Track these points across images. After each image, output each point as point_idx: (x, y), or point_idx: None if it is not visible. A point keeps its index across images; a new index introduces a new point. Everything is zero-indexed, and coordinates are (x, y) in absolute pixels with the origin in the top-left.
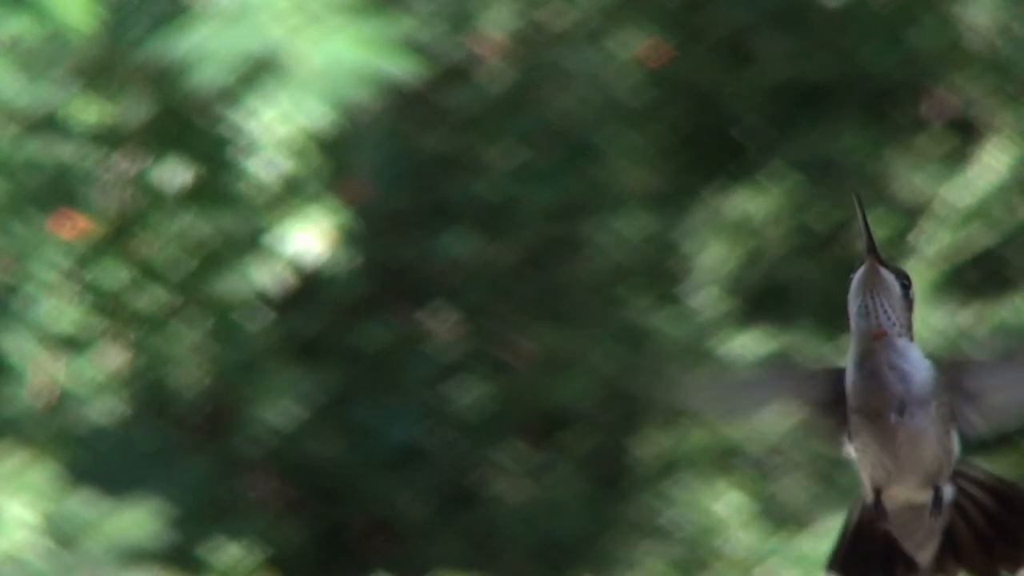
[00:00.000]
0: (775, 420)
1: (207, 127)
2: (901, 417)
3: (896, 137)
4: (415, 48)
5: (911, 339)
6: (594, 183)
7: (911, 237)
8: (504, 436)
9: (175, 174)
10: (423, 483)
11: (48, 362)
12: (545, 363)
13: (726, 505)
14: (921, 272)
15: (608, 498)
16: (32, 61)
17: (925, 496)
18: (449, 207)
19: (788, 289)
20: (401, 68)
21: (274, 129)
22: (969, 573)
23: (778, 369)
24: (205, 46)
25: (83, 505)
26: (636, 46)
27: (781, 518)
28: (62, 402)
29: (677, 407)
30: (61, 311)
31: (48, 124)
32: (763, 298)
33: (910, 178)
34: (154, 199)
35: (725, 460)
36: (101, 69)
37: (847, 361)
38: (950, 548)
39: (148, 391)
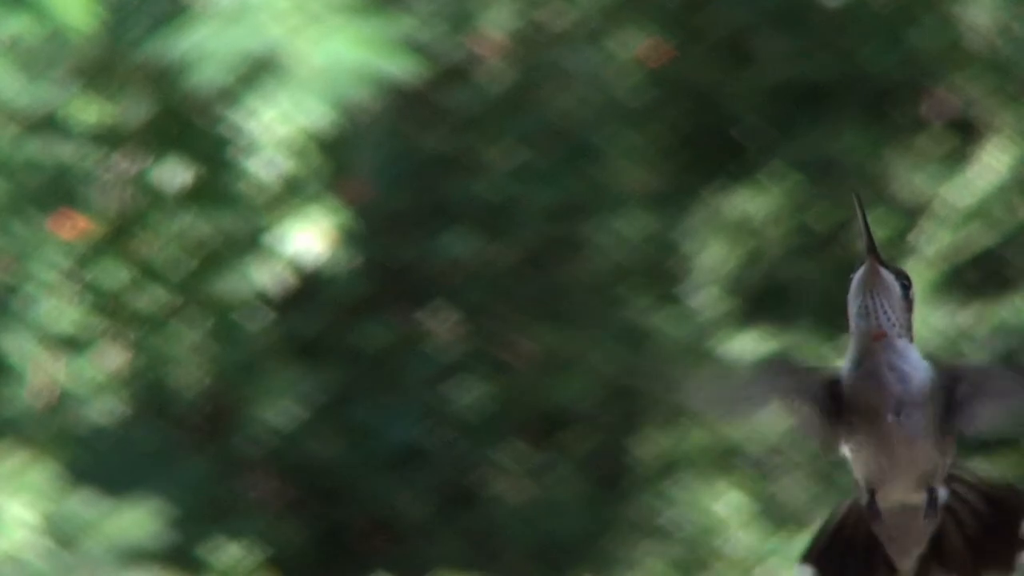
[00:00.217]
0: (775, 420)
1: (207, 127)
2: (898, 417)
3: (896, 137)
4: (415, 48)
5: (911, 340)
6: (594, 183)
7: (911, 237)
8: (504, 436)
9: (175, 174)
10: (423, 483)
11: (48, 362)
12: (545, 363)
13: (726, 505)
14: (921, 272)
15: (608, 498)
16: (32, 61)
17: (919, 498)
18: (449, 207)
19: (788, 289)
20: (401, 68)
21: (274, 129)
22: None
23: (777, 368)
24: (205, 46)
25: (83, 505)
26: (636, 46)
27: (781, 518)
28: (62, 402)
29: (677, 407)
30: (61, 311)
31: (48, 124)
32: (763, 298)
33: (910, 178)
34: (154, 199)
35: (725, 460)
36: (101, 69)
37: (846, 361)
38: (937, 553)
39: (148, 391)
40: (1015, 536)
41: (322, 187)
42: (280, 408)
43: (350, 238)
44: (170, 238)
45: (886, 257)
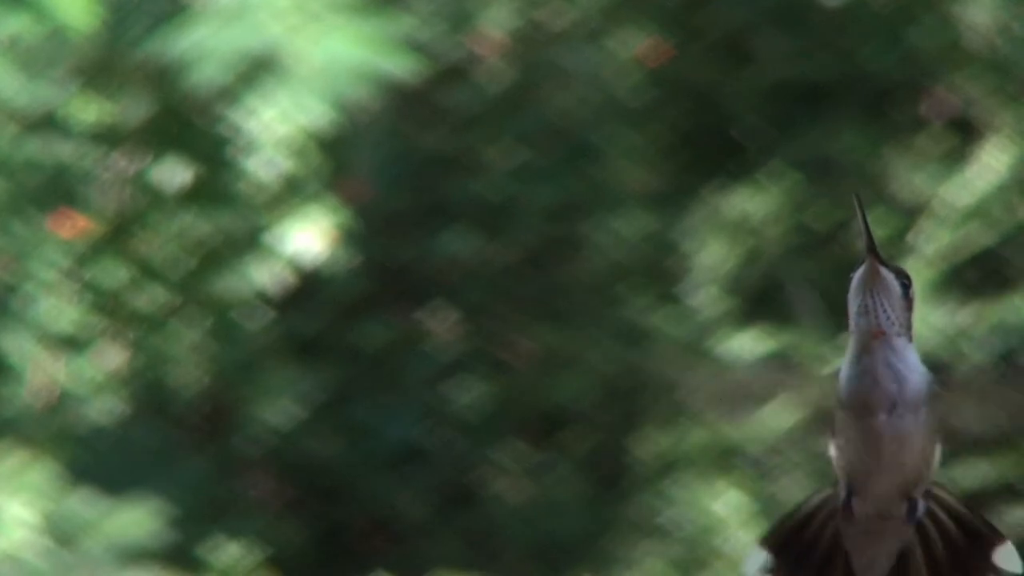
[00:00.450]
0: (775, 420)
1: (206, 126)
2: (890, 417)
3: (896, 137)
4: (415, 47)
5: (910, 339)
6: (594, 183)
7: (910, 236)
8: (504, 436)
9: (174, 173)
10: (423, 483)
11: (48, 361)
12: (545, 363)
13: (725, 505)
14: (920, 271)
15: (608, 498)
16: (32, 60)
17: (897, 508)
18: (448, 206)
19: (787, 289)
20: (400, 67)
21: (274, 128)
22: None
23: (777, 368)
24: (204, 45)
25: (83, 504)
26: (636, 46)
27: None
28: (62, 401)
29: (677, 407)
30: (61, 310)
31: (48, 123)
32: (762, 297)
33: (909, 177)
34: (153, 198)
35: (725, 460)
36: (101, 68)
37: (844, 358)
38: (902, 571)
39: (147, 390)
40: (982, 570)
41: (321, 186)
42: (279, 407)
43: (349, 237)
44: (169, 237)
45: (886, 256)
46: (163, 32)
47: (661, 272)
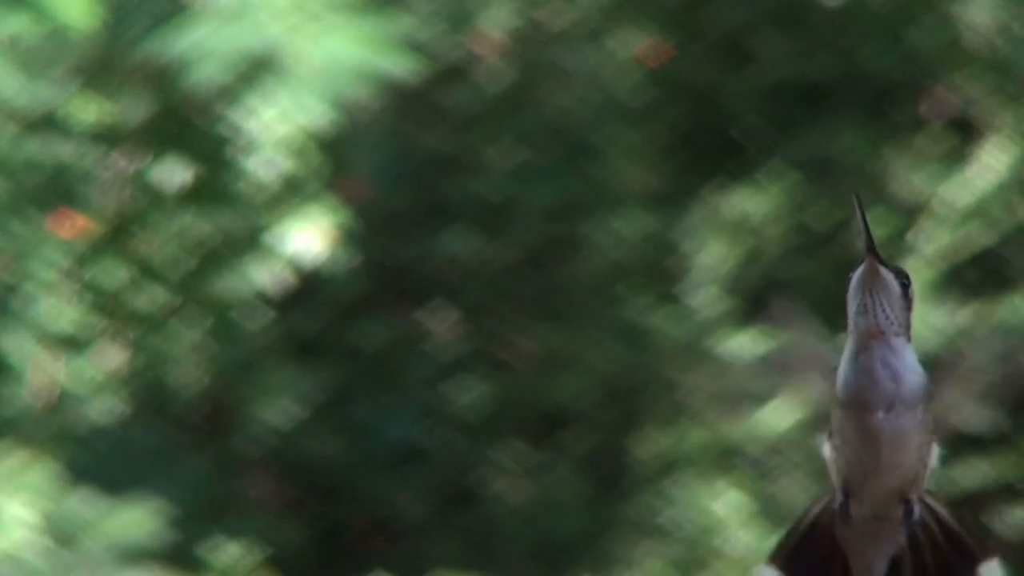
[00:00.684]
0: (775, 420)
1: (206, 126)
2: (888, 415)
3: (895, 136)
4: (414, 47)
5: (909, 339)
6: (593, 182)
7: (910, 236)
8: (504, 436)
9: (174, 173)
10: (423, 483)
11: (47, 361)
12: (545, 362)
13: (725, 504)
14: (920, 271)
15: (608, 498)
16: (31, 60)
17: (894, 510)
18: (448, 206)
19: (787, 288)
20: (400, 67)
21: (273, 128)
22: None
23: (780, 359)
24: (204, 44)
25: (82, 504)
26: (635, 45)
27: (780, 517)
28: (61, 401)
29: (677, 406)
30: (60, 310)
31: (47, 123)
32: (762, 297)
33: (909, 177)
34: (153, 198)
35: (724, 460)
36: (100, 68)
37: (842, 357)
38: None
39: (147, 390)
40: None
41: (321, 186)
42: (279, 407)
43: (349, 237)
44: (169, 237)
45: (885, 256)
46: (163, 32)
47: (661, 272)
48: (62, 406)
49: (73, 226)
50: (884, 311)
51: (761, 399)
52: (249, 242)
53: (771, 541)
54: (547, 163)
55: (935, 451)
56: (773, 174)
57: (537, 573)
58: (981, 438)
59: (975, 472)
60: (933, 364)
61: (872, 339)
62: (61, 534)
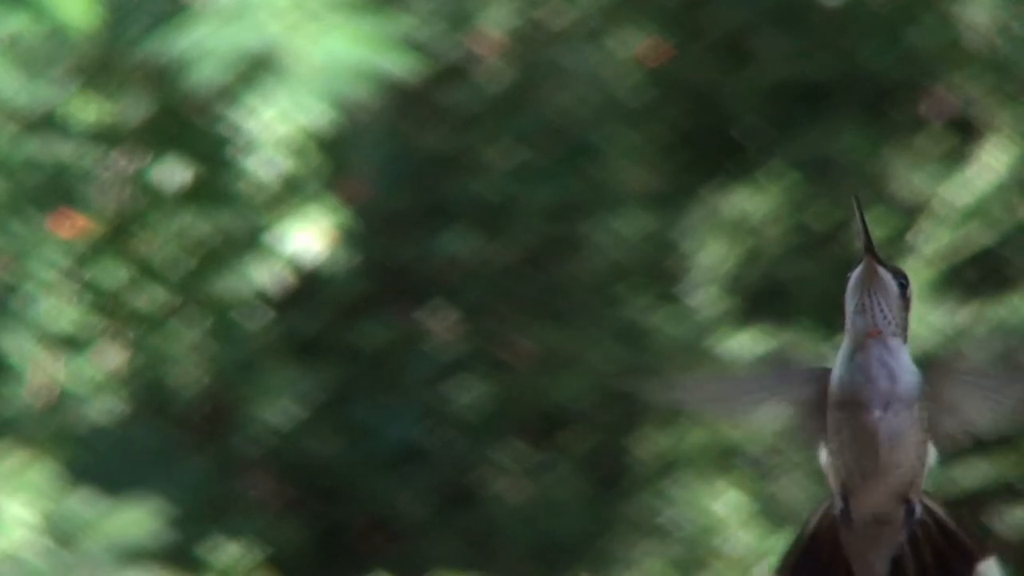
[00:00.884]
0: (774, 420)
1: (206, 126)
2: (885, 414)
3: (895, 136)
4: (414, 46)
5: (905, 340)
6: (593, 182)
7: (910, 236)
8: (503, 435)
9: (174, 173)
10: (423, 483)
11: (47, 361)
12: (544, 362)
13: (725, 504)
14: (920, 271)
15: (607, 498)
16: (31, 59)
17: (894, 511)
18: (448, 206)
19: (787, 288)
20: (400, 66)
21: (273, 128)
22: None
23: (772, 367)
24: (204, 44)
25: (82, 504)
26: (635, 45)
27: (780, 517)
28: (61, 401)
29: (675, 407)
30: (60, 310)
31: (47, 123)
32: (762, 297)
33: (909, 177)
34: (153, 198)
35: (724, 459)
36: (100, 67)
37: (837, 357)
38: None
39: (147, 390)
40: None
41: (321, 186)
42: (279, 407)
43: (349, 237)
44: (169, 237)
45: (884, 256)
46: (163, 31)
47: (661, 272)
48: (62, 406)
49: (73, 226)
50: (882, 311)
51: (755, 402)
52: (249, 242)
53: (771, 541)
54: (547, 163)
55: (932, 450)
56: (773, 174)
57: (537, 573)
58: (981, 438)
59: (975, 472)
60: (931, 364)
61: (869, 339)
62: (61, 534)
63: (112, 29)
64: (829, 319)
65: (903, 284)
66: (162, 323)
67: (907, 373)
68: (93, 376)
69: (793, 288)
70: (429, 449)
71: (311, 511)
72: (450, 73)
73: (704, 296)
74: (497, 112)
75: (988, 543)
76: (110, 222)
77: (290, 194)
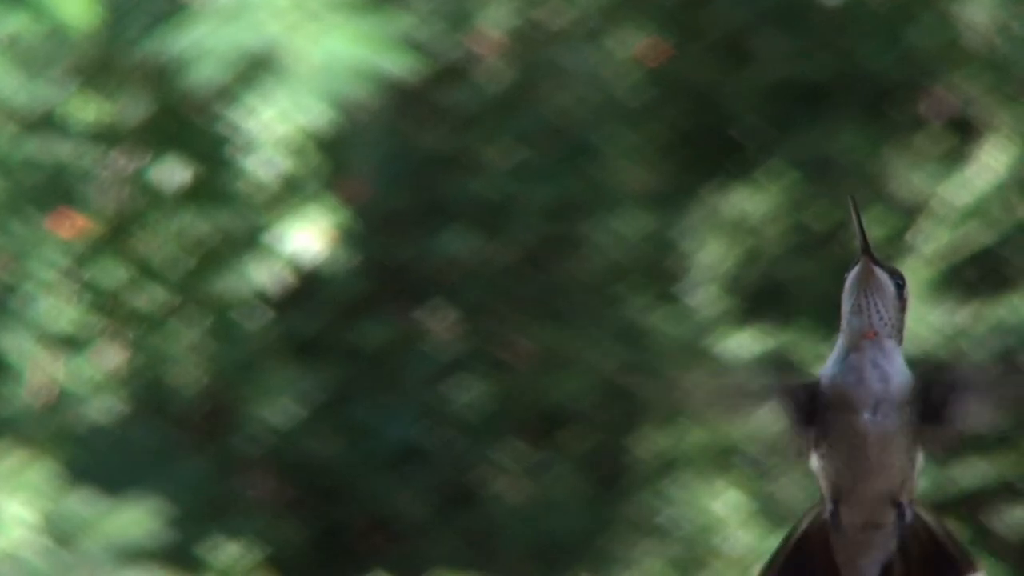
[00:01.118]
0: (773, 419)
1: (205, 125)
2: (875, 416)
3: (894, 136)
4: (413, 46)
5: (900, 341)
6: (593, 182)
7: (909, 236)
8: (503, 435)
9: (173, 173)
10: (422, 482)
11: (47, 361)
12: (544, 362)
13: (725, 504)
14: (919, 271)
15: (607, 497)
16: (30, 59)
17: (884, 516)
18: (447, 206)
19: (786, 288)
20: (399, 66)
21: (273, 127)
22: None
23: (765, 371)
24: (203, 44)
25: (82, 504)
26: (635, 45)
27: (779, 517)
28: (61, 401)
29: (674, 407)
30: (60, 310)
31: (46, 122)
32: (761, 297)
33: (908, 177)
34: (153, 198)
35: (724, 459)
36: (99, 67)
37: (831, 357)
38: None
39: (147, 390)
40: None
41: (321, 186)
42: (279, 407)
43: (349, 237)
44: (169, 237)
45: (884, 256)
46: (162, 31)
47: (660, 271)
48: (61, 406)
49: (73, 226)
50: (879, 312)
51: (749, 405)
52: (248, 242)
53: (770, 541)
54: (546, 163)
55: (921, 454)
56: (772, 174)
57: (537, 573)
58: (981, 438)
59: (975, 472)
60: (929, 365)
61: (864, 339)
62: (60, 534)
63: (111, 29)
64: (828, 319)
65: (900, 284)
66: (162, 323)
67: (899, 376)
68: (92, 376)
69: (792, 288)
70: (429, 449)
71: (311, 511)
72: (450, 73)
73: (703, 296)
74: (496, 112)
75: (973, 556)
76: (109, 222)
77: (289, 194)
